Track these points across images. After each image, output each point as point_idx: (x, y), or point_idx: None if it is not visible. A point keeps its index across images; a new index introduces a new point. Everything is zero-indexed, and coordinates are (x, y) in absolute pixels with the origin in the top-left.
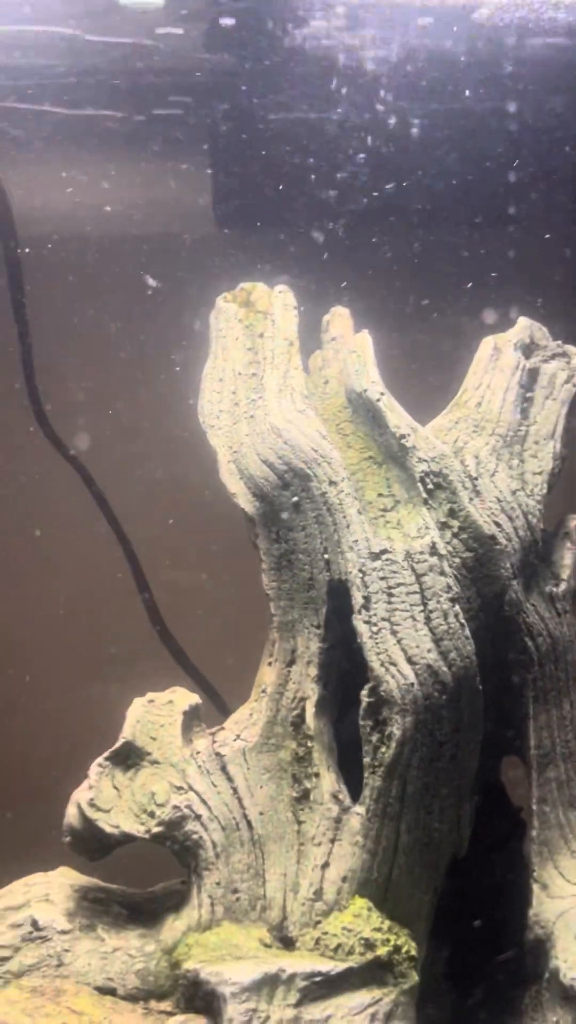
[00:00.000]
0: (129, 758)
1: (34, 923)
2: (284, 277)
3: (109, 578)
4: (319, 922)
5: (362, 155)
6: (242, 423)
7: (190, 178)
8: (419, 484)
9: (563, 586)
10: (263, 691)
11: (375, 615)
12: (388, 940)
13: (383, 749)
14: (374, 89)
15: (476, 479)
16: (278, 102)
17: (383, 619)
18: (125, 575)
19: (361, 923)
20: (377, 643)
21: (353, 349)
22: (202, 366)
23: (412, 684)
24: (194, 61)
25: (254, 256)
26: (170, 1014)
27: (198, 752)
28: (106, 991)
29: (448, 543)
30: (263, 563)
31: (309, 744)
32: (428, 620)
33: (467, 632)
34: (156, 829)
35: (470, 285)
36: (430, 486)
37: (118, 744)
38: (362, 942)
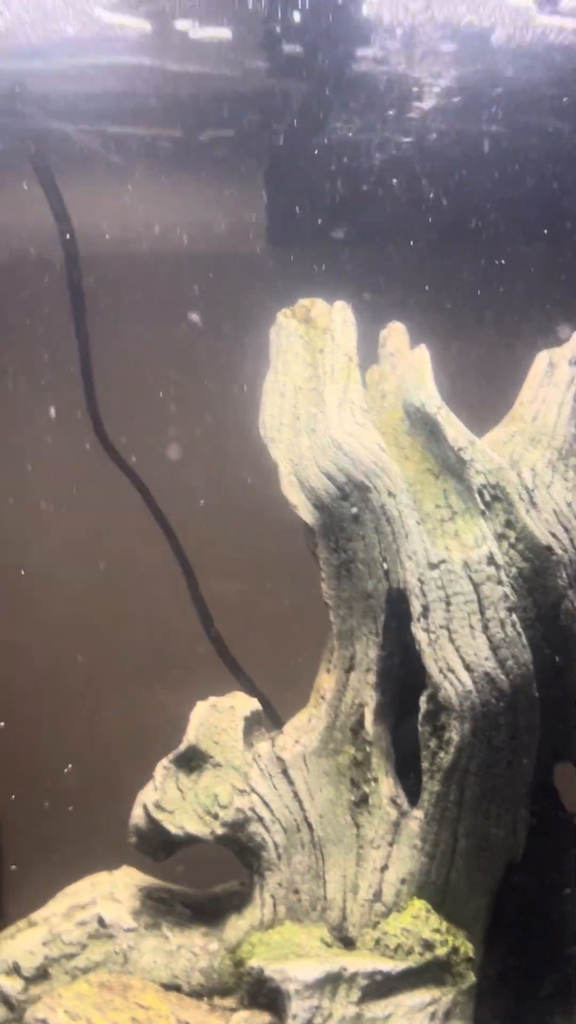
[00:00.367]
0: (192, 761)
1: (101, 920)
2: (340, 293)
3: (167, 589)
4: (378, 923)
5: (417, 178)
6: (303, 436)
7: (247, 198)
8: (476, 496)
9: None
10: (322, 697)
11: (433, 623)
12: (446, 941)
13: (441, 754)
14: (428, 115)
15: (532, 491)
16: (333, 127)
17: (441, 627)
18: (181, 585)
19: (420, 924)
20: (435, 651)
21: (411, 364)
22: (262, 380)
23: (470, 691)
24: (255, 88)
25: (309, 273)
26: (233, 1010)
27: (259, 756)
28: (171, 987)
29: (505, 554)
30: (323, 572)
31: (368, 749)
32: (486, 628)
33: (524, 640)
34: (220, 831)
35: (525, 301)
36: (487, 498)
37: (182, 747)
38: (421, 943)
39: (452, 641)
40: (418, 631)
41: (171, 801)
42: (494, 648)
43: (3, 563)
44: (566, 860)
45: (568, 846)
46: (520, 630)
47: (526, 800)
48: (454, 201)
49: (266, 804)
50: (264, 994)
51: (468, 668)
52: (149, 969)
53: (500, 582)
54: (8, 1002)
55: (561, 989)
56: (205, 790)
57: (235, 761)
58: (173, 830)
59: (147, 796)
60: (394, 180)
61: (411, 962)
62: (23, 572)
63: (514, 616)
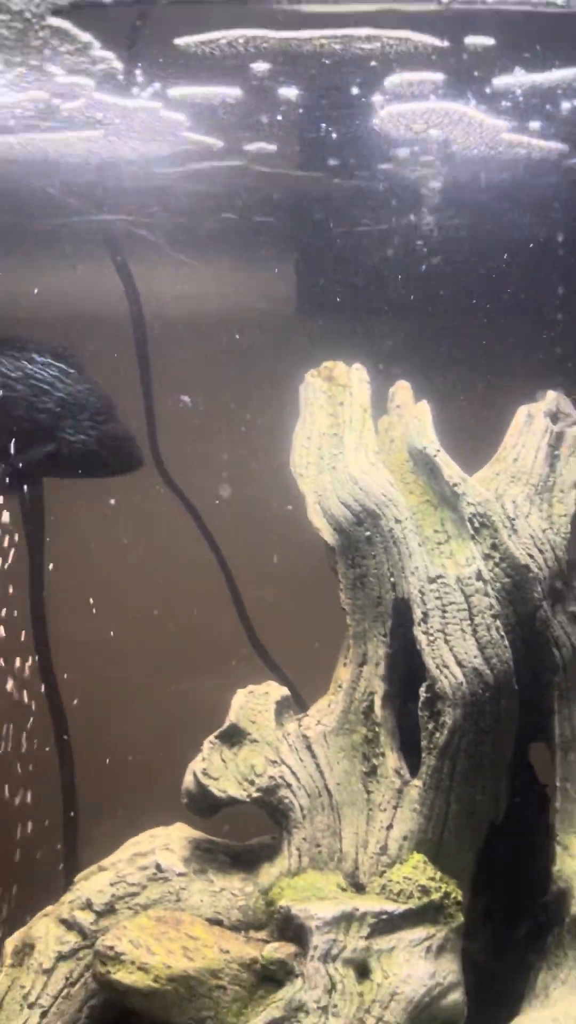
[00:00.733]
0: (234, 737)
1: (158, 866)
2: (356, 357)
3: (215, 598)
4: (384, 872)
5: (420, 265)
6: (325, 473)
7: (281, 277)
8: (468, 523)
9: None
10: (339, 686)
11: (432, 627)
12: (440, 888)
13: (437, 735)
14: (430, 214)
15: (514, 520)
16: (355, 217)
17: (438, 630)
18: (224, 594)
19: (418, 874)
20: (433, 650)
21: (414, 415)
22: (293, 428)
23: (461, 683)
24: (293, 188)
25: (330, 340)
26: (266, 942)
27: (288, 734)
28: (215, 922)
29: (491, 571)
30: (341, 584)
31: (377, 729)
32: (475, 632)
33: (506, 642)
34: (256, 794)
35: (511, 369)
36: (476, 525)
37: (225, 726)
38: (419, 889)
39: (447, 642)
40: (419, 633)
41: (216, 770)
42: (481, 648)
43: (89, 578)
44: (539, 822)
45: (540, 811)
46: (503, 634)
47: (507, 773)
48: (452, 285)
49: (293, 773)
50: (291, 929)
51: (460, 664)
52: (196, 907)
53: (487, 594)
54: (82, 931)
55: (535, 931)
56: (244, 761)
57: (268, 738)
58: (217, 793)
59: (196, 765)
60: (402, 266)
61: (411, 905)
62: (106, 584)
63: (498, 622)
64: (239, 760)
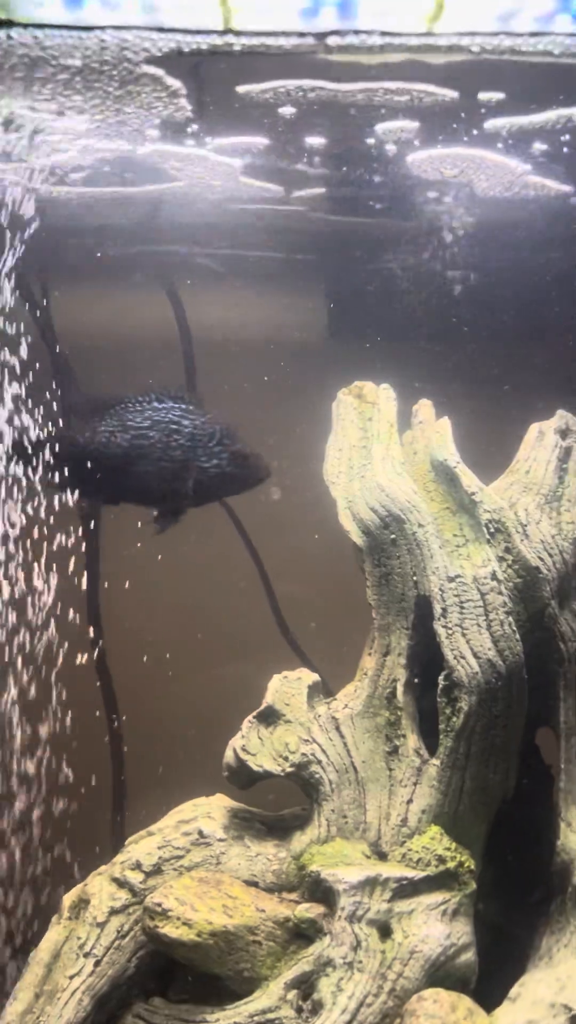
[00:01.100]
0: (270, 717)
1: (200, 832)
2: (382, 377)
3: (248, 592)
4: (404, 842)
5: (445, 295)
6: (355, 481)
7: (315, 304)
8: (484, 528)
9: None
10: (365, 674)
11: (450, 622)
12: (455, 857)
13: (454, 719)
14: (453, 249)
15: (526, 526)
16: (383, 253)
17: (456, 625)
18: (259, 590)
19: (435, 844)
20: (451, 642)
21: (436, 430)
22: (325, 440)
23: (477, 673)
24: (328, 226)
25: (359, 362)
26: (297, 902)
27: (319, 715)
28: (251, 884)
29: (504, 572)
30: (368, 581)
31: (399, 713)
32: (489, 627)
33: (517, 636)
34: (289, 769)
35: (521, 388)
36: (492, 530)
37: (262, 707)
38: (436, 857)
39: (464, 635)
40: (439, 627)
41: (254, 746)
42: (495, 641)
43: (138, 576)
44: (545, 798)
45: (546, 789)
46: (515, 629)
47: (516, 754)
48: (474, 312)
49: (323, 751)
50: (320, 891)
51: (475, 655)
52: (235, 869)
53: (500, 593)
54: (132, 889)
55: (543, 898)
56: (279, 739)
57: (301, 719)
58: (255, 767)
59: (236, 742)
60: (427, 296)
61: (429, 872)
62: (153, 581)
63: (510, 618)
64: (274, 738)
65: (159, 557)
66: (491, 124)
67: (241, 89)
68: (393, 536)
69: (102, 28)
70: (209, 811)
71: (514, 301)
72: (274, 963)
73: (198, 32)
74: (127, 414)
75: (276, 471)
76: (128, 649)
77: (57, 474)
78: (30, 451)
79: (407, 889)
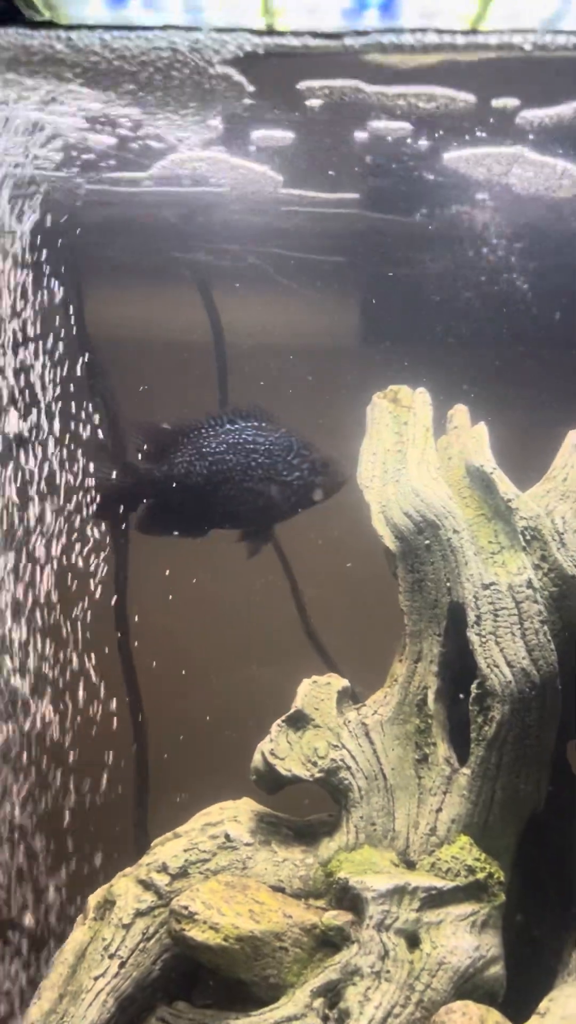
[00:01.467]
0: (299, 722)
1: (227, 836)
2: (416, 382)
3: (275, 596)
4: (433, 851)
5: (477, 299)
6: (389, 485)
7: (347, 308)
8: (520, 536)
9: None
10: (395, 680)
11: (484, 629)
12: (484, 868)
13: (486, 728)
14: (490, 254)
15: (562, 534)
16: (417, 255)
17: (490, 633)
18: (286, 594)
19: (465, 854)
20: (485, 650)
21: (472, 436)
22: (359, 444)
23: (510, 681)
24: (363, 228)
25: (391, 366)
26: (324, 909)
27: (349, 721)
28: (278, 889)
29: (540, 580)
30: (400, 587)
31: (429, 721)
32: (524, 635)
33: (552, 646)
34: (318, 775)
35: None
36: (528, 538)
37: (292, 711)
38: (465, 868)
39: (498, 644)
40: (472, 635)
41: (282, 751)
42: (529, 650)
43: (165, 580)
44: (575, 811)
45: None
46: (549, 638)
47: (547, 765)
48: (509, 317)
49: (353, 757)
50: (348, 899)
51: (509, 664)
52: (261, 874)
53: (536, 601)
54: (158, 892)
55: (569, 908)
56: (307, 744)
57: (330, 724)
58: (283, 772)
59: (265, 746)
60: (460, 300)
61: (458, 882)
62: (180, 586)
63: (545, 627)
64: (303, 743)
65: (186, 563)
66: (530, 122)
67: (301, 86)
68: (427, 541)
69: (171, 28)
70: (236, 815)
71: (555, 305)
72: (300, 970)
73: (271, 33)
74: (201, 440)
75: None
76: (154, 650)
77: (143, 515)
78: (110, 495)
79: (436, 899)
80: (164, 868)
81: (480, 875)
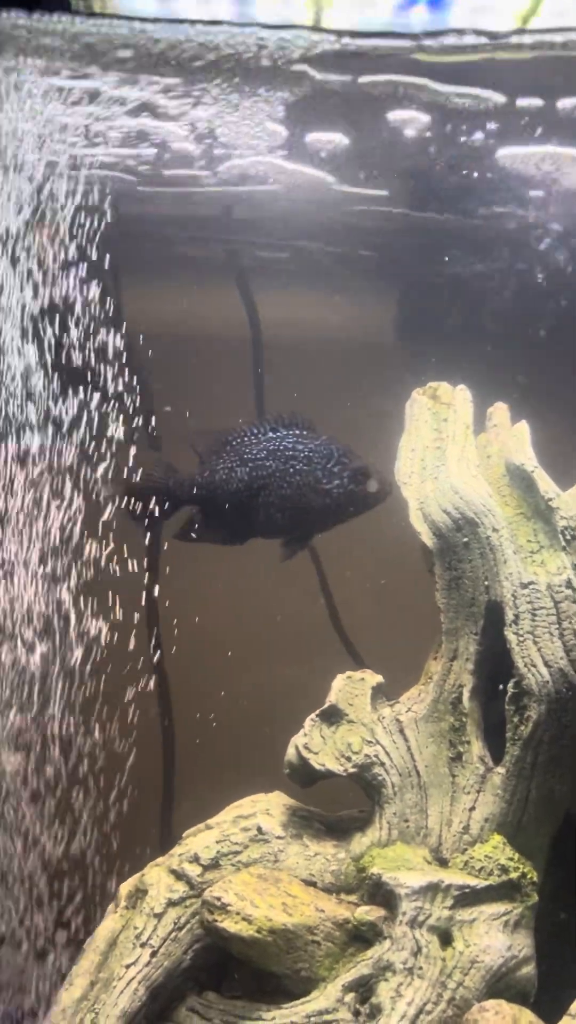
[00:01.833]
0: (333, 717)
1: (259, 828)
2: (449, 380)
3: (305, 593)
4: (466, 850)
5: (514, 300)
6: (428, 482)
7: (384, 304)
8: (560, 535)
9: None
10: (430, 678)
11: (522, 629)
12: (517, 868)
13: (522, 727)
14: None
15: None
16: (456, 253)
17: (528, 632)
18: (315, 590)
19: (498, 853)
20: (522, 649)
21: (513, 434)
22: (395, 440)
23: (547, 681)
24: (402, 225)
25: (426, 363)
26: (356, 905)
27: (383, 717)
28: (309, 883)
29: None
30: (437, 584)
31: (464, 719)
32: (562, 635)
33: None
34: (352, 770)
35: None
36: (568, 537)
37: (326, 706)
38: (499, 867)
39: (535, 643)
40: (510, 634)
41: (316, 745)
42: (567, 650)
43: (197, 578)
44: None
45: None
46: None
47: None
48: (543, 315)
49: (387, 753)
50: (381, 894)
51: (547, 664)
52: (293, 868)
53: (575, 601)
54: (190, 882)
55: None
56: (341, 739)
57: (364, 719)
58: (316, 766)
59: (299, 740)
60: (498, 298)
61: (491, 881)
62: (211, 583)
63: None
64: (337, 738)
65: (217, 562)
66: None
67: (363, 81)
68: (466, 539)
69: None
70: (268, 808)
71: None
72: (332, 964)
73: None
74: (243, 448)
75: None
76: (185, 646)
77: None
78: (147, 501)
79: (469, 897)
80: (196, 859)
81: (513, 875)
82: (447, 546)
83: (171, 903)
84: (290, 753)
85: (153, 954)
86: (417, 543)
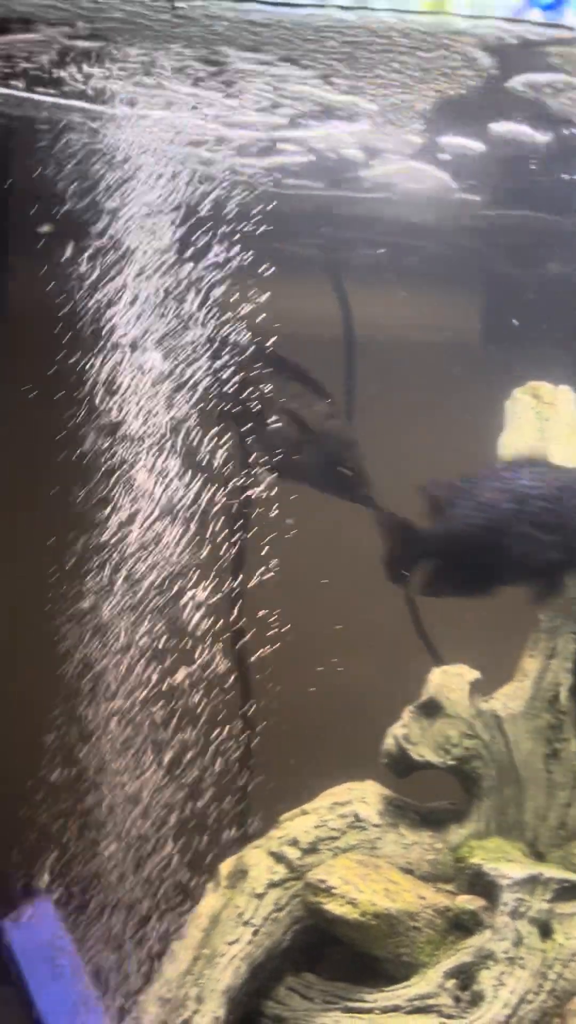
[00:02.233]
0: (430, 709)
1: (356, 816)
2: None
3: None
4: (562, 845)
5: None
6: None
7: (470, 306)
8: None
9: None
10: (526, 675)
11: None
12: None
13: None
14: None
15: None
16: (544, 265)
17: None
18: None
19: None
20: None
21: None
22: (493, 439)
23: None
24: (494, 228)
25: (507, 365)
26: (454, 894)
27: (482, 712)
28: (406, 871)
29: None
30: None
31: (561, 716)
32: None
33: None
34: (451, 762)
35: None
36: None
37: (425, 699)
38: None
39: None
40: None
41: (415, 736)
42: None
43: (279, 575)
44: None
45: None
46: None
47: None
48: None
49: (487, 747)
50: (482, 885)
51: None
52: (390, 856)
53: None
54: (290, 865)
55: None
56: (439, 732)
57: (462, 713)
58: (416, 757)
59: (398, 731)
60: None
61: None
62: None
63: None
64: (435, 731)
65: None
66: None
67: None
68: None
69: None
70: (364, 796)
71: None
72: (432, 951)
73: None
74: (479, 492)
75: (431, 469)
76: (265, 635)
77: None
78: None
79: (568, 891)
80: (295, 842)
81: None
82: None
83: (272, 884)
84: (388, 743)
85: (255, 933)
86: None
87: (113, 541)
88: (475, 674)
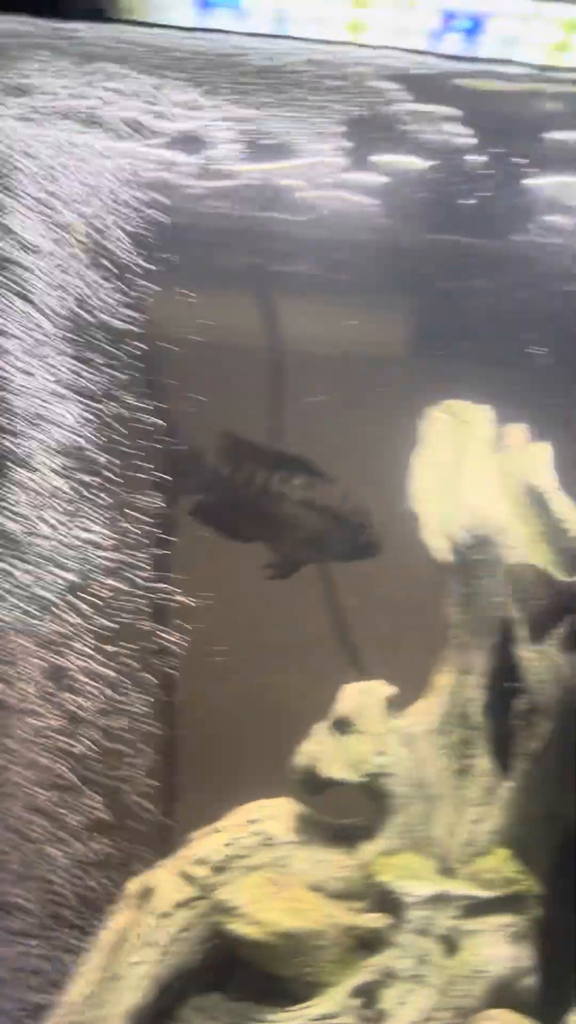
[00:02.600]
0: (342, 726)
1: (267, 833)
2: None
3: (310, 604)
4: (471, 862)
5: (531, 322)
6: (445, 499)
7: (401, 320)
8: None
9: None
10: (439, 691)
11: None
12: (522, 881)
13: (532, 743)
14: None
15: None
16: (475, 274)
17: (539, 650)
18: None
19: (504, 866)
20: (534, 667)
21: (532, 454)
22: (406, 455)
23: (558, 699)
24: (423, 243)
25: (441, 379)
26: (363, 912)
27: (392, 728)
28: (316, 889)
29: None
30: (451, 600)
31: (473, 733)
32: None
33: None
34: (361, 779)
35: None
36: None
37: (336, 715)
38: (504, 880)
39: (546, 661)
40: (522, 652)
41: (325, 753)
42: None
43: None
44: None
45: None
46: None
47: None
48: (562, 335)
49: (396, 764)
50: (388, 902)
51: (558, 682)
52: (301, 873)
53: None
54: (198, 884)
55: None
56: (351, 748)
57: (374, 730)
58: (325, 774)
59: (308, 747)
60: (517, 318)
61: (497, 893)
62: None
63: None
64: (346, 747)
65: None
66: None
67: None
68: (482, 557)
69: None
70: (276, 813)
71: None
72: (338, 969)
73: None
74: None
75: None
76: (189, 650)
77: None
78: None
79: (474, 908)
80: (204, 861)
81: (518, 887)
82: (462, 563)
83: (179, 904)
84: (299, 760)
85: (160, 953)
86: (428, 559)
87: None
88: (389, 690)
